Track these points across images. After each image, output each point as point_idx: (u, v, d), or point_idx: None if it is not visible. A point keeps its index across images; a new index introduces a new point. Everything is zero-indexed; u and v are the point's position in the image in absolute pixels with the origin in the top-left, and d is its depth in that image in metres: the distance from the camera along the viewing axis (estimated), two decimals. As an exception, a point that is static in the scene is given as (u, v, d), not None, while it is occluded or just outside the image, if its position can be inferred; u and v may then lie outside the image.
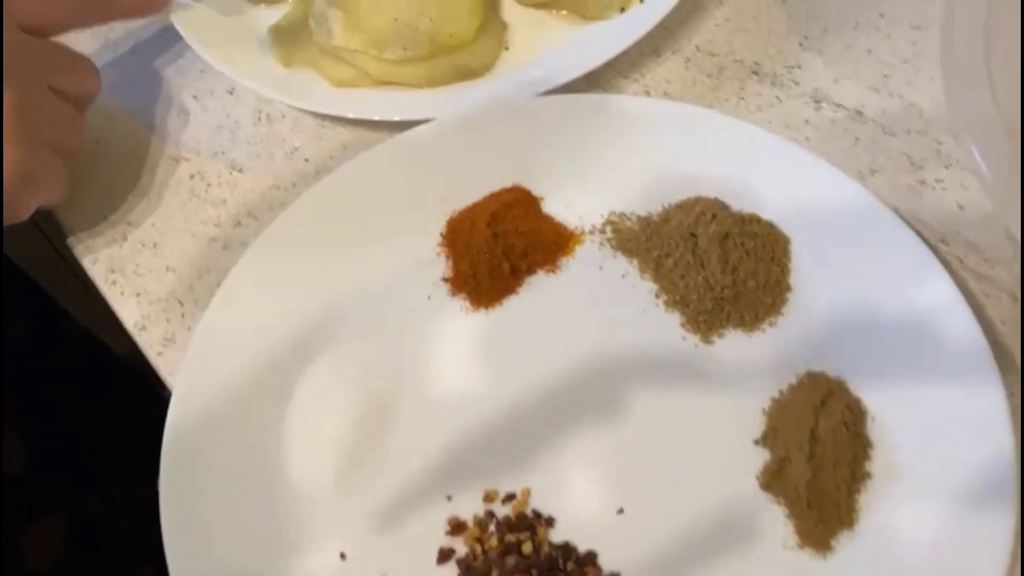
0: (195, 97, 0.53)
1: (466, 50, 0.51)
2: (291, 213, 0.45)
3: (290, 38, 0.53)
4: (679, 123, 0.46)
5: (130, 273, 0.47)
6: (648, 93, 0.51)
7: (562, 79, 0.48)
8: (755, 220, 0.44)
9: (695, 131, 0.46)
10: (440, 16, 0.51)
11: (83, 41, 0.56)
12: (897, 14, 0.51)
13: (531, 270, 0.45)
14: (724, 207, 0.45)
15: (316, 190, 0.45)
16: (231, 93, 0.53)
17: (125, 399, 0.45)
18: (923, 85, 0.49)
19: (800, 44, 0.51)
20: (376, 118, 0.48)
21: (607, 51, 0.49)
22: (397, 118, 0.48)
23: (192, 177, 0.50)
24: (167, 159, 0.51)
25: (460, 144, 0.47)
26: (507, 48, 0.52)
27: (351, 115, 0.48)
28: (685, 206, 0.45)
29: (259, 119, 0.52)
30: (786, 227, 0.44)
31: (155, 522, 0.38)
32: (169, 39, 0.54)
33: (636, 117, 0.47)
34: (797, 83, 0.50)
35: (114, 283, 0.47)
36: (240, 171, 0.50)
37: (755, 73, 0.51)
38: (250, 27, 0.54)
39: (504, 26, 0.53)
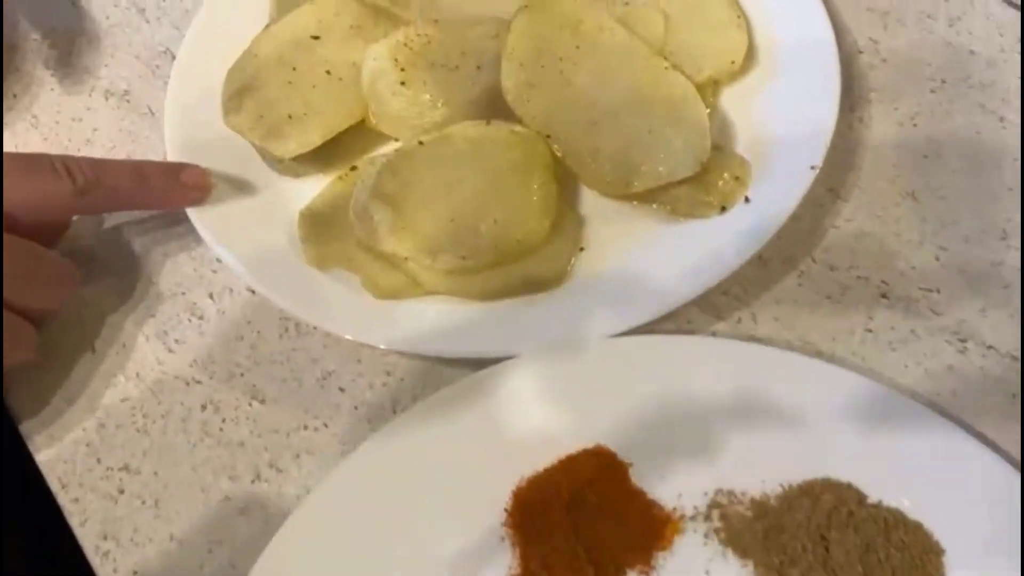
0: (211, 296, 0.45)
1: (535, 256, 0.43)
2: (325, 490, 0.37)
3: (324, 230, 0.44)
4: (796, 377, 0.38)
5: (126, 541, 0.39)
6: (754, 318, 0.42)
7: (652, 311, 0.40)
8: (901, 523, 0.35)
9: (815, 390, 0.38)
10: (506, 216, 0.42)
11: (86, 216, 0.48)
12: (1055, 222, 0.43)
13: (619, 571, 0.36)
14: (860, 498, 0.36)
15: (355, 459, 0.37)
16: (254, 292, 0.45)
17: None
18: (1096, 323, 0.40)
19: (937, 258, 0.43)
20: (424, 352, 0.40)
21: (705, 274, 0.40)
22: (451, 355, 0.40)
23: (204, 408, 0.42)
24: (174, 380, 0.43)
25: (529, 392, 0.39)
26: (583, 249, 0.44)
27: (385, 346, 0.40)
28: (811, 491, 0.37)
29: (286, 330, 0.44)
30: (935, 527, 0.35)
31: None
32: (180, 218, 0.45)
33: (743, 367, 0.38)
34: (937, 312, 0.41)
35: (106, 554, 0.39)
36: (262, 402, 0.42)
37: (884, 296, 0.42)
38: (276, 207, 0.46)
39: (580, 221, 0.44)
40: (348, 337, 0.40)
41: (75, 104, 0.52)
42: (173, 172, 0.44)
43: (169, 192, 0.43)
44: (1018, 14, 0.48)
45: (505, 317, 0.41)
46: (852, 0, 0.51)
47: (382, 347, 0.40)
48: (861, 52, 0.49)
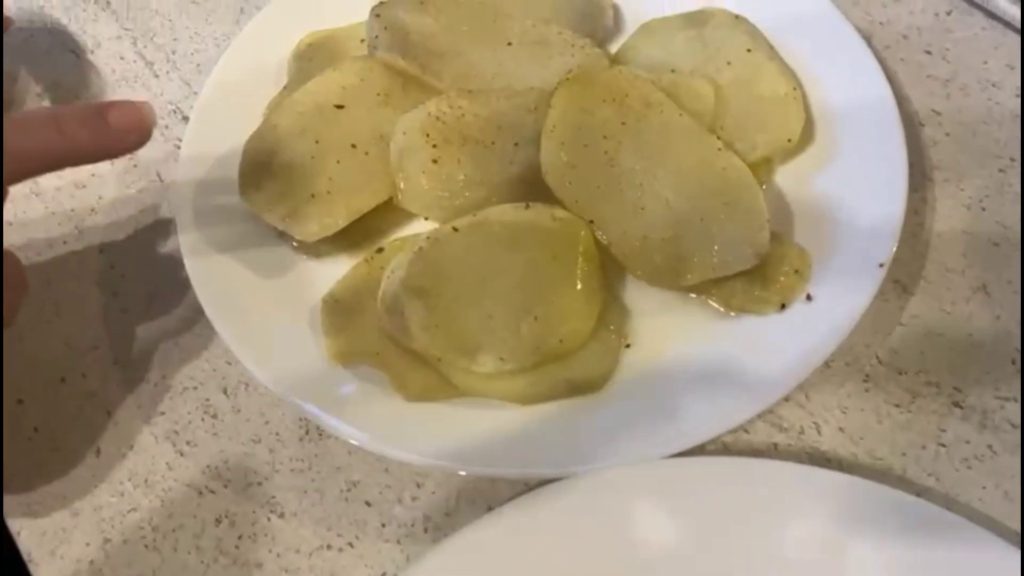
0: (225, 392, 0.41)
1: (578, 356, 0.39)
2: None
3: (349, 320, 0.41)
4: (871, 507, 0.35)
5: None
6: (818, 429, 0.39)
7: (709, 430, 0.36)
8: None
9: (891, 522, 0.34)
10: (548, 312, 0.39)
11: (90, 296, 0.44)
12: None
13: None
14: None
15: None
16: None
17: None
18: None
19: (1014, 362, 0.39)
20: (457, 470, 0.37)
21: (767, 388, 0.37)
22: (485, 474, 0.37)
23: (219, 522, 0.38)
24: (186, 489, 0.39)
25: (576, 523, 0.35)
26: (629, 345, 0.40)
27: (414, 462, 0.37)
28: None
29: (306, 432, 0.40)
30: None
31: None
32: (192, 301, 0.42)
33: (812, 495, 0.35)
34: (1015, 425, 0.38)
35: None
36: (281, 516, 0.38)
37: (957, 405, 0.39)
38: (296, 292, 0.42)
39: (626, 314, 0.41)
40: (374, 451, 0.37)
41: (79, 169, 0.48)
42: (98, 115, 0.35)
43: (97, 141, 0.35)
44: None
45: (546, 427, 0.38)
46: (912, 66, 0.47)
47: (412, 460, 0.37)
48: (923, 125, 0.46)
